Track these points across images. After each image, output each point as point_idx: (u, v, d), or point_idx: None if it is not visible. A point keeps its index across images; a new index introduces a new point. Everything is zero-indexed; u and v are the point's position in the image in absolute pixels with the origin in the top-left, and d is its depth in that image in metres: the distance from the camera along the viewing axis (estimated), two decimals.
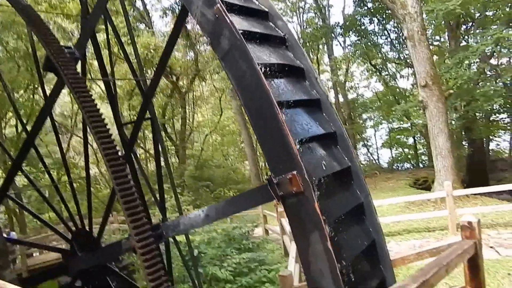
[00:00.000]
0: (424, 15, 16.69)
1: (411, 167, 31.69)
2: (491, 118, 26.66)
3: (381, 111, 33.21)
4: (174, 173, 26.26)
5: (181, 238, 7.98)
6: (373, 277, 3.62)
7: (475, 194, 12.86)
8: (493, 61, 22.96)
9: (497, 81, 20.94)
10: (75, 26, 21.71)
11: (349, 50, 31.63)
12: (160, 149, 6.89)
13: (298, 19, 33.55)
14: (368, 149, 38.26)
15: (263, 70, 3.25)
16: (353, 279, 3.15)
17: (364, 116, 37.64)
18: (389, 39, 28.66)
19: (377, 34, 28.41)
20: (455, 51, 20.15)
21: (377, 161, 36.68)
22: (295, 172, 2.94)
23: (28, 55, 18.44)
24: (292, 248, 6.66)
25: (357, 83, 37.29)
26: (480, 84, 20.80)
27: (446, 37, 25.87)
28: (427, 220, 11.46)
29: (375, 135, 38.32)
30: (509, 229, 9.98)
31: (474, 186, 12.99)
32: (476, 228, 4.04)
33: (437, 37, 27.88)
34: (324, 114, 3.94)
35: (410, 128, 30.28)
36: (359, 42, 28.70)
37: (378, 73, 31.92)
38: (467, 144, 25.90)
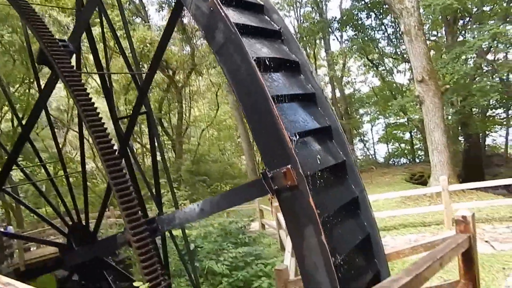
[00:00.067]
0: (421, 10, 16.67)
1: (408, 162, 31.77)
2: (487, 114, 26.73)
3: (377, 106, 33.24)
4: (171, 167, 26.23)
5: (177, 232, 8.00)
6: (368, 270, 3.63)
7: (470, 189, 12.90)
8: (490, 57, 22.98)
9: (494, 76, 20.97)
10: (70, 20, 21.52)
11: (346, 45, 31.55)
12: (156, 143, 6.88)
13: (295, 13, 33.43)
14: (364, 144, 38.37)
15: (258, 64, 3.24)
16: (347, 273, 3.16)
17: (361, 111, 37.68)
18: (386, 34, 28.63)
19: (374, 29, 28.36)
20: (452, 46, 20.13)
21: (373, 156, 36.78)
22: (289, 166, 2.94)
23: (23, 49, 18.28)
24: (288, 242, 6.67)
25: (354, 78, 37.32)
26: (476, 79, 20.83)
27: (443, 32, 25.85)
28: (422, 215, 11.51)
29: (371, 130, 38.44)
30: (504, 224, 10.02)
31: (470, 181, 13.05)
32: (470, 222, 4.06)
33: (434, 32, 27.86)
34: (319, 108, 3.94)
35: (406, 123, 30.32)
36: (356, 37, 28.64)
37: (375, 68, 31.90)
38: (463, 139, 25.97)
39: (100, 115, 4.06)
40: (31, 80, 21.62)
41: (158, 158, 7.56)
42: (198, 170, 26.76)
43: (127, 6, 26.36)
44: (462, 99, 21.18)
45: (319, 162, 3.42)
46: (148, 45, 22.38)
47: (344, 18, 28.37)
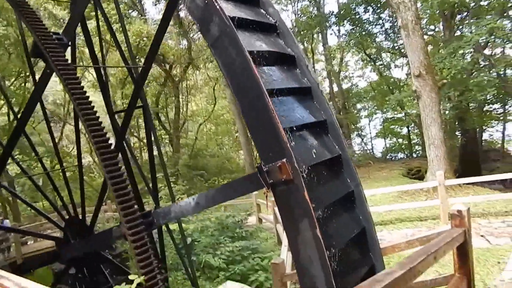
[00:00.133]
0: (418, 4, 16.62)
1: (405, 157, 31.84)
2: (484, 109, 26.77)
3: (375, 101, 33.23)
4: (168, 162, 26.22)
5: (174, 226, 8.00)
6: (363, 264, 3.65)
7: (467, 184, 12.94)
8: (487, 51, 22.97)
9: (491, 71, 20.98)
10: (66, 13, 21.35)
11: (343, 39, 31.47)
12: (152, 137, 6.86)
13: (292, 8, 33.32)
14: (362, 139, 38.37)
15: (253, 58, 3.22)
16: (342, 266, 3.17)
17: (359, 106, 37.69)
18: (383, 29, 28.54)
19: (371, 23, 28.25)
20: (449, 41, 20.11)
21: (371, 151, 36.82)
22: (284, 160, 2.94)
23: (18, 42, 18.13)
24: (285, 236, 6.69)
25: (352, 73, 37.31)
26: (473, 74, 20.84)
27: (441, 27, 25.80)
28: (419, 210, 11.55)
29: (369, 125, 38.47)
30: (500, 218, 10.07)
31: (467, 176, 13.07)
32: (465, 216, 4.07)
33: (432, 27, 27.81)
34: (315, 102, 3.93)
35: (404, 118, 30.35)
36: (353, 31, 28.55)
37: (372, 63, 31.86)
38: (460, 134, 26.02)
39: (95, 108, 4.05)
40: (27, 73, 21.48)
41: (155, 152, 7.56)
42: (196, 165, 26.74)
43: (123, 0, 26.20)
44: (459, 94, 21.19)
45: (314, 156, 3.42)
46: (144, 39, 22.24)
47: (341, 12, 28.23)
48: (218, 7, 3.14)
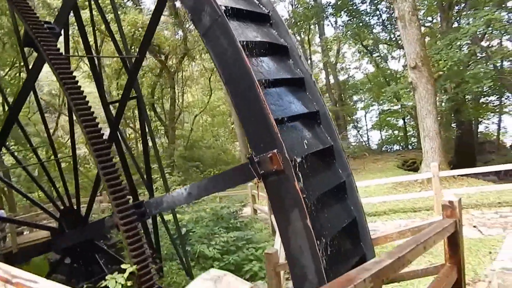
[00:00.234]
0: None
1: (400, 149, 31.94)
2: (480, 101, 26.82)
3: (371, 93, 33.21)
4: (164, 153, 26.18)
5: (169, 217, 8.03)
6: (354, 254, 3.68)
7: (461, 175, 13.02)
8: (484, 43, 22.94)
9: (488, 63, 20.97)
10: (60, 3, 21.10)
11: (340, 31, 31.33)
12: (146, 128, 6.85)
13: None
14: (358, 131, 38.44)
15: (245, 48, 3.21)
16: (332, 256, 3.20)
17: (355, 97, 37.67)
18: (380, 20, 28.43)
19: (369, 14, 28.12)
20: (447, 33, 20.07)
21: (366, 142, 36.89)
22: (275, 151, 2.95)
23: (12, 32, 17.94)
24: None
25: (348, 65, 37.21)
26: (470, 66, 20.83)
27: (439, 18, 25.71)
28: (413, 201, 11.62)
29: (365, 117, 38.47)
30: (493, 209, 10.16)
31: (462, 167, 13.15)
32: (457, 207, 4.11)
33: (429, 18, 27.72)
34: (307, 93, 3.93)
35: (400, 110, 30.38)
36: (350, 22, 28.41)
37: (369, 54, 31.78)
38: (456, 126, 26.09)
39: (91, 99, 4.03)
40: (21, 63, 21.28)
41: (150, 143, 7.54)
42: (192, 156, 26.72)
43: None
44: (455, 85, 21.20)
45: (306, 147, 3.43)
46: (139, 29, 22.04)
47: (338, 3, 28.03)
48: None
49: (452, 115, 25.19)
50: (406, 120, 32.70)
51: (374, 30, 28.89)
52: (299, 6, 31.56)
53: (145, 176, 6.96)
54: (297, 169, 3.09)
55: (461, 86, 20.58)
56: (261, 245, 8.33)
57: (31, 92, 6.70)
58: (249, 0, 3.99)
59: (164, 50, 27.16)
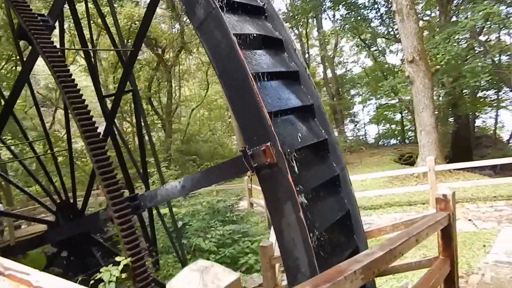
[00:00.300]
0: None
1: (398, 143, 32.00)
2: (478, 95, 26.84)
3: (369, 87, 33.20)
4: (161, 147, 26.16)
5: (166, 210, 8.05)
6: (347, 247, 3.70)
7: (457, 170, 13.08)
8: (482, 38, 22.91)
9: (486, 57, 20.95)
10: None
11: (338, 24, 31.24)
12: (142, 122, 6.84)
13: None
14: (355, 125, 38.46)
15: (239, 41, 3.20)
16: (326, 248, 3.22)
17: (352, 92, 37.64)
18: (379, 14, 28.35)
19: (367, 8, 28.03)
20: (445, 26, 20.03)
21: (364, 136, 36.96)
22: (268, 144, 2.95)
23: (8, 25, 17.79)
24: None
25: (346, 59, 37.14)
26: (468, 60, 20.82)
27: (437, 12, 25.65)
28: (409, 194, 11.68)
29: (362, 111, 38.50)
30: (488, 203, 10.22)
31: (458, 162, 13.20)
32: (450, 200, 4.13)
33: (428, 12, 27.65)
34: (302, 87, 3.93)
35: (397, 104, 30.40)
36: (348, 16, 28.32)
37: (367, 48, 31.71)
38: (453, 120, 26.13)
39: (88, 92, 4.03)
40: (18, 57, 21.12)
41: (147, 137, 7.54)
42: (188, 150, 26.71)
43: None
44: (453, 80, 21.20)
45: (299, 140, 3.44)
46: (136, 22, 21.92)
47: None
48: None
49: (450, 109, 25.22)
50: (403, 114, 32.73)
51: (372, 24, 28.82)
52: None
53: (141, 170, 6.97)
54: (291, 162, 3.10)
55: (459, 80, 20.59)
56: (257, 238, 8.38)
57: (28, 87, 6.69)
58: None
59: (161, 44, 27.04)
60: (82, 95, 3.92)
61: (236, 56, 3.03)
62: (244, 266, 7.50)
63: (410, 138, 31.67)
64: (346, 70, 37.03)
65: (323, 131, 3.86)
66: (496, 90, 26.96)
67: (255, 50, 3.55)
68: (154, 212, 7.66)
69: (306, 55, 33.51)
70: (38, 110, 7.38)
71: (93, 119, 3.85)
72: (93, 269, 6.46)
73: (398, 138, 33.47)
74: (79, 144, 27.22)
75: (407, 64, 14.99)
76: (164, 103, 30.79)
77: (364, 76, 34.45)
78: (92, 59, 6.91)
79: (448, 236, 4.16)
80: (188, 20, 27.03)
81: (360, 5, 27.73)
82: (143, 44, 26.90)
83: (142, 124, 6.93)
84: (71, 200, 7.02)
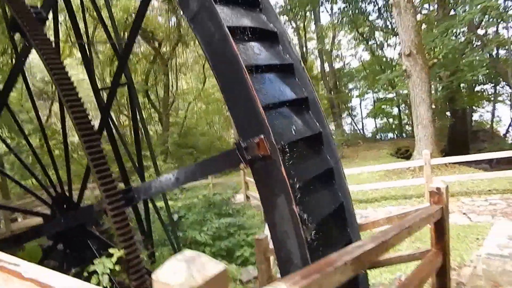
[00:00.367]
0: None
1: (395, 137, 32.04)
2: (475, 89, 26.86)
3: (367, 81, 33.16)
4: (158, 140, 26.12)
5: (161, 203, 8.06)
6: (340, 239, 3.72)
7: (453, 163, 13.13)
8: (480, 31, 22.88)
9: (483, 51, 20.94)
10: None
11: (336, 18, 31.11)
12: (137, 115, 6.82)
13: None
14: (352, 119, 38.45)
15: (233, 33, 3.19)
16: (318, 241, 3.24)
17: (350, 85, 37.56)
18: (377, 7, 28.25)
19: (365, 1, 27.91)
20: (442, 20, 19.99)
21: (361, 130, 36.98)
22: (262, 136, 2.95)
23: (2, 18, 17.63)
24: None
25: (344, 52, 37.06)
26: (465, 54, 20.81)
27: (436, 6, 25.56)
28: (405, 188, 11.74)
29: (360, 105, 38.47)
30: (483, 197, 10.29)
31: (455, 156, 13.24)
32: (444, 193, 4.16)
33: (426, 5, 27.53)
34: (296, 79, 3.92)
35: (395, 98, 30.40)
36: (346, 9, 28.22)
37: (365, 42, 31.63)
38: (450, 114, 26.17)
39: (84, 86, 4.01)
40: (13, 50, 20.94)
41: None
42: (186, 143, 26.67)
43: None
44: (450, 74, 21.20)
45: (294, 133, 3.44)
46: (132, 14, 21.78)
47: None
48: None
49: (447, 103, 25.24)
50: (401, 108, 32.76)
51: (370, 17, 28.75)
52: None
53: (136, 163, 6.97)
54: (285, 155, 3.11)
55: (456, 74, 20.58)
56: (253, 231, 8.41)
57: (23, 81, 6.68)
58: None
59: (158, 37, 26.91)
60: (75, 87, 3.90)
61: (229, 48, 3.02)
62: (240, 259, 7.54)
63: (407, 132, 31.70)
64: (343, 64, 37.00)
65: (317, 124, 3.86)
66: (493, 84, 26.98)
67: (249, 43, 3.53)
68: (150, 205, 7.67)
69: (304, 49, 33.39)
70: (33, 102, 7.35)
71: (90, 112, 3.84)
72: (89, 262, 6.49)
73: (396, 132, 33.50)
74: (75, 137, 27.14)
75: (404, 58, 14.99)
76: (161, 97, 30.70)
77: (362, 70, 34.38)
78: (88, 52, 6.87)
79: (440, 229, 4.19)
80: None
81: None
82: (140, 38, 26.81)
83: (138, 117, 6.91)
84: (67, 193, 7.02)
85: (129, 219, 3.76)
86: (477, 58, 19.29)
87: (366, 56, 34.95)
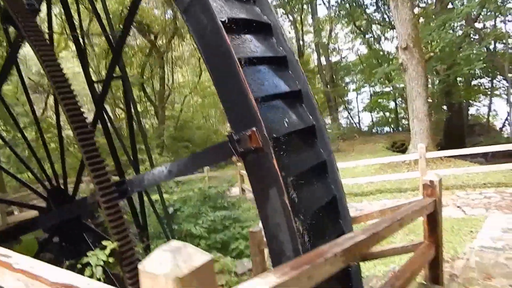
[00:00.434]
0: None
1: (391, 131, 32.09)
2: (472, 83, 26.88)
3: (363, 75, 33.13)
4: (153, 133, 26.07)
5: (156, 196, 8.07)
6: (333, 232, 3.74)
7: (449, 157, 13.18)
8: (478, 25, 22.84)
9: (481, 45, 20.92)
10: None
11: (333, 11, 30.98)
12: (132, 107, 6.80)
13: None
14: (349, 113, 38.45)
15: (225, 25, 3.17)
16: (311, 233, 3.26)
17: (347, 79, 37.52)
18: (374, 0, 28.15)
19: None
20: (440, 13, 19.96)
21: (357, 124, 37.00)
22: (254, 129, 2.95)
23: None
24: None
25: (341, 45, 36.92)
26: (463, 47, 20.80)
27: None
28: (400, 181, 11.80)
29: (357, 99, 38.47)
30: (478, 190, 10.36)
31: (451, 149, 13.28)
32: (437, 186, 4.19)
33: None
34: (290, 72, 3.91)
35: (391, 91, 30.39)
36: (343, 2, 28.11)
37: (362, 35, 31.55)
38: (446, 108, 26.21)
39: (79, 79, 3.99)
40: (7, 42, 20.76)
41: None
42: (182, 137, 26.65)
43: None
44: (447, 67, 21.21)
45: (286, 126, 3.43)
46: (127, 7, 21.60)
47: None
48: None
49: (443, 97, 25.27)
50: (397, 102, 32.77)
51: (368, 10, 28.66)
52: None
53: (131, 156, 6.96)
54: (277, 148, 3.11)
55: (453, 68, 20.58)
56: (248, 224, 8.45)
57: (17, 73, 6.64)
58: None
59: (154, 30, 26.74)
60: (68, 78, 3.88)
61: (222, 40, 3.00)
62: (235, 251, 7.58)
63: (403, 126, 31.73)
64: (340, 57, 36.89)
65: (311, 117, 3.86)
66: (490, 78, 27.00)
67: (242, 35, 3.51)
68: (146, 199, 7.68)
69: (301, 42, 33.29)
70: (28, 95, 7.32)
71: (86, 105, 3.82)
72: (84, 254, 6.50)
73: (392, 126, 33.54)
74: (71, 130, 27.03)
75: (400, 51, 14.97)
76: (157, 90, 30.58)
77: (359, 63, 34.32)
78: (82, 45, 6.83)
79: (433, 221, 4.23)
80: None
81: None
82: (135, 30, 26.62)
83: (132, 110, 6.89)
84: (62, 186, 7.02)
85: (123, 212, 3.76)
86: (474, 52, 19.29)
87: (363, 50, 34.92)
